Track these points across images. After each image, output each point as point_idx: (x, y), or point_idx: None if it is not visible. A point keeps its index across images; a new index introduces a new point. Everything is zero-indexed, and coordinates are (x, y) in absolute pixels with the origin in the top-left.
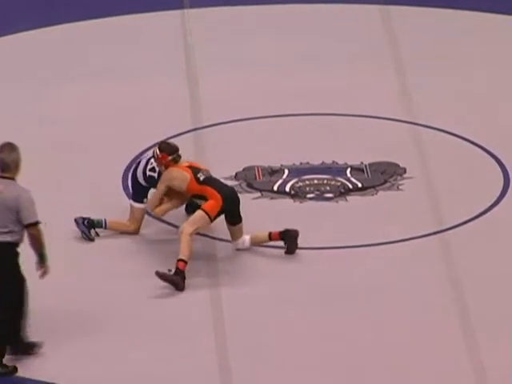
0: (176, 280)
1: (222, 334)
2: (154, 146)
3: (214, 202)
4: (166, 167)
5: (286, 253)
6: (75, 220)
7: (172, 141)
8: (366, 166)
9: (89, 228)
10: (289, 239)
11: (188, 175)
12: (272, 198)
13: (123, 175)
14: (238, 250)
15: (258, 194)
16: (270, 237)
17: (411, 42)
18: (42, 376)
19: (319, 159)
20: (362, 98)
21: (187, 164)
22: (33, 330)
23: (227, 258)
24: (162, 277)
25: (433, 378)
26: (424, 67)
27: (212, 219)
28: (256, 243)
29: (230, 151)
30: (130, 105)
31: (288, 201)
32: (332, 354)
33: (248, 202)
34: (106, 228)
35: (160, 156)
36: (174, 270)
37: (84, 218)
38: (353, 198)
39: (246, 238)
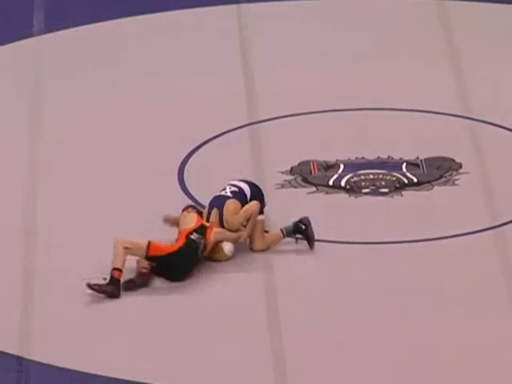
0: (110, 290)
1: (277, 329)
2: (211, 140)
3: (164, 247)
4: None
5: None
6: None
7: (227, 135)
8: (421, 160)
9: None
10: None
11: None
12: (327, 193)
13: (179, 169)
14: None
15: (314, 189)
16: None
17: (467, 37)
18: (99, 370)
19: (375, 154)
20: (417, 92)
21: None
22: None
23: (279, 252)
24: (93, 289)
25: (488, 374)
26: (480, 62)
27: (147, 256)
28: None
29: (286, 146)
30: (186, 99)
31: (343, 195)
32: (384, 349)
33: (303, 197)
34: None
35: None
36: (108, 279)
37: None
38: (408, 193)
39: None
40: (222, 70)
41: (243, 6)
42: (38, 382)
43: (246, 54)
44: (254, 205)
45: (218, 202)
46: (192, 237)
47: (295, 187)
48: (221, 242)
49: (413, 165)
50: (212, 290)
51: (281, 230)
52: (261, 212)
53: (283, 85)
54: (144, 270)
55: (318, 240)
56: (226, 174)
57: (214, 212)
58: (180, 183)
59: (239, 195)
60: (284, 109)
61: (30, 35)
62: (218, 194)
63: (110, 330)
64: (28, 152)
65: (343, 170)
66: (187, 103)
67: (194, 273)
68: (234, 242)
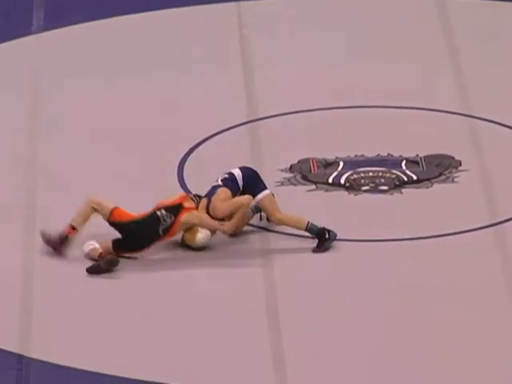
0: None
1: (277, 328)
2: (210, 137)
3: (127, 215)
4: None
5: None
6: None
7: (227, 133)
8: (421, 158)
9: None
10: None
11: None
12: (327, 191)
13: (178, 167)
14: None
15: (313, 187)
16: None
17: (467, 34)
18: (99, 368)
19: (374, 151)
20: (417, 89)
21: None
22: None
23: (279, 250)
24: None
25: (487, 371)
26: (480, 60)
27: (109, 220)
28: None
29: (285, 143)
30: (185, 97)
31: (343, 193)
32: (384, 347)
33: (303, 195)
34: None
35: None
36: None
37: None
38: (408, 191)
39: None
40: (222, 68)
41: (243, 3)
42: (37, 380)
43: (246, 52)
44: (245, 198)
45: (210, 192)
46: (158, 212)
47: (295, 185)
48: (198, 226)
49: (412, 162)
50: (211, 287)
51: (308, 221)
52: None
53: (283, 82)
54: (102, 254)
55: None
56: (226, 172)
57: (204, 200)
58: (179, 181)
59: (230, 181)
60: (283, 106)
61: (29, 33)
62: (212, 184)
63: (110, 328)
64: (27, 150)
65: (343, 168)
66: (186, 101)
67: (192, 270)
68: (214, 229)
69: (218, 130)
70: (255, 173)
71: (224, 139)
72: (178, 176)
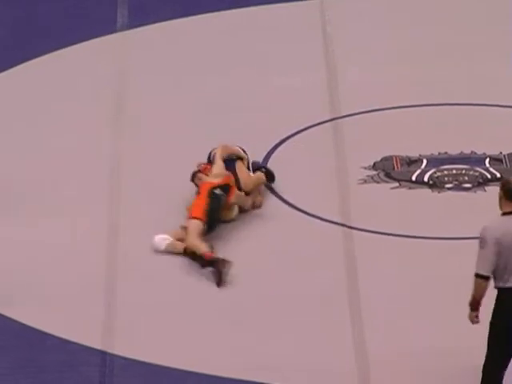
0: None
1: (359, 321)
2: (294, 135)
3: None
4: None
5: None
6: None
7: (310, 130)
8: (504, 156)
9: None
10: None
11: None
12: (410, 188)
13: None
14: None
15: (396, 184)
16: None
17: None
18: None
19: (458, 149)
20: (500, 87)
21: None
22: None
23: (361, 250)
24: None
25: None
26: None
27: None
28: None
29: (369, 141)
30: (269, 94)
31: (426, 191)
32: (465, 341)
33: (386, 192)
34: None
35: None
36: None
37: None
38: (491, 189)
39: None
40: (305, 66)
41: (326, 1)
42: (120, 377)
43: (329, 49)
44: (262, 174)
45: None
46: (216, 191)
47: (378, 182)
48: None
49: (496, 160)
50: (296, 287)
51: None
52: None
53: (366, 80)
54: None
55: (401, 235)
56: (309, 169)
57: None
58: None
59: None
60: (367, 104)
61: (114, 31)
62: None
63: (195, 324)
64: (111, 143)
65: (426, 166)
66: (270, 98)
67: (279, 265)
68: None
69: (301, 127)
70: None
71: (307, 137)
72: None
